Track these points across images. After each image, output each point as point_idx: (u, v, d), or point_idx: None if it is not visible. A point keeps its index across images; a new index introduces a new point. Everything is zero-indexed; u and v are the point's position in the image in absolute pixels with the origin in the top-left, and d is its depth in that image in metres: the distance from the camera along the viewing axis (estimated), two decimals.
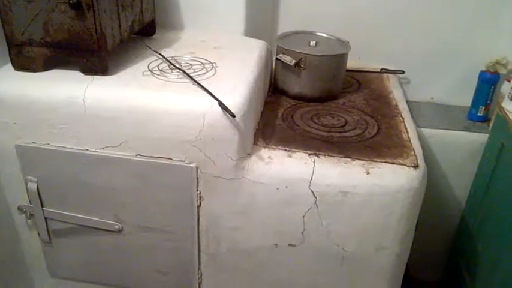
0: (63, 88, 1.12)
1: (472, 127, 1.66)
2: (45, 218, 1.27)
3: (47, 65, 1.18)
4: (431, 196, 1.47)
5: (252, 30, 1.54)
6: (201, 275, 1.31)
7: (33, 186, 1.21)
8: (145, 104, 1.10)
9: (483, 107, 1.65)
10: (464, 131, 1.64)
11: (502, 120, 1.48)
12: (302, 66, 1.42)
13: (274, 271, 1.27)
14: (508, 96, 1.49)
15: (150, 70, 1.22)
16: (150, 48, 1.35)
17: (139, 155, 1.14)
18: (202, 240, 1.26)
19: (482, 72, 1.63)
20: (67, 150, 1.16)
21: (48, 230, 1.29)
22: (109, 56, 1.16)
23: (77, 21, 1.09)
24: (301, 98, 1.47)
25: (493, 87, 1.62)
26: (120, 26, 1.21)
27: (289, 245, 1.22)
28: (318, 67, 1.43)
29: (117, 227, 1.24)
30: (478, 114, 1.67)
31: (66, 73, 1.18)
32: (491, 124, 1.61)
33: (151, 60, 1.28)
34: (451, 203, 1.75)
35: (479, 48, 1.67)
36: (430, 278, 1.90)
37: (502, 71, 1.61)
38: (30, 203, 1.25)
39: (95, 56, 1.14)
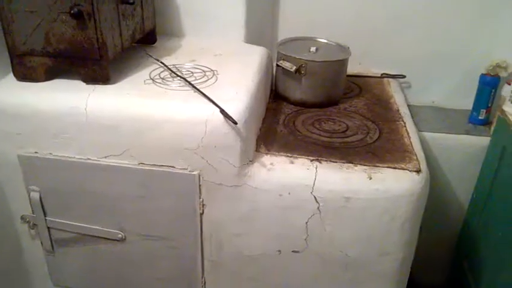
0: (65, 98, 1.13)
1: (473, 130, 1.66)
2: (48, 228, 1.27)
3: (49, 74, 1.18)
4: (434, 200, 1.47)
5: (253, 37, 1.55)
6: (205, 282, 1.31)
7: (36, 195, 1.21)
8: (147, 112, 1.10)
9: (484, 110, 1.65)
10: (466, 134, 1.64)
11: (504, 123, 1.48)
12: (303, 72, 1.43)
13: (278, 277, 1.27)
14: (509, 99, 1.49)
15: (151, 78, 1.22)
16: (151, 56, 1.35)
17: (141, 163, 1.14)
18: (205, 247, 1.25)
19: (482, 76, 1.63)
20: (69, 159, 1.17)
21: (51, 240, 1.29)
22: (110, 65, 1.17)
23: (78, 31, 1.10)
24: (302, 104, 1.48)
25: (493, 90, 1.62)
26: (121, 34, 1.21)
27: (292, 251, 1.21)
28: (319, 73, 1.44)
29: (120, 235, 1.24)
30: (479, 118, 1.67)
31: (68, 82, 1.18)
32: (492, 127, 1.61)
33: (152, 69, 1.28)
34: (454, 207, 1.75)
35: (480, 51, 1.67)
36: (434, 282, 1.89)
37: (503, 74, 1.61)
38: (33, 213, 1.25)
39: (96, 65, 1.14)
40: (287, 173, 1.16)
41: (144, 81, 1.21)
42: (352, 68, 1.57)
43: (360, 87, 1.64)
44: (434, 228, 1.68)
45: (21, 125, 1.15)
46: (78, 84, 1.17)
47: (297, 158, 1.18)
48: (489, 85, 1.62)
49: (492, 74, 1.61)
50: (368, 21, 1.71)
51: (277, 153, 1.20)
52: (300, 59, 1.42)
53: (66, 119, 1.12)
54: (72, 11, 1.06)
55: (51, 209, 1.24)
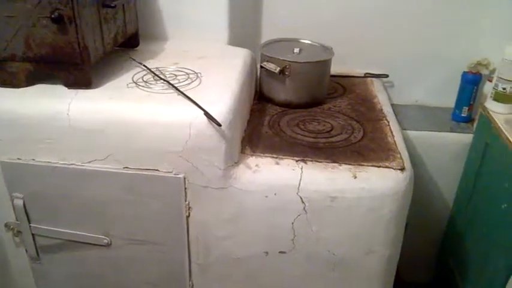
0: (47, 103, 1.12)
1: (456, 128, 1.68)
2: (33, 235, 1.25)
3: (30, 80, 1.17)
4: (419, 197, 1.48)
5: (236, 39, 1.55)
6: (192, 285, 1.31)
7: (19, 202, 1.20)
8: (131, 116, 1.09)
9: (466, 108, 1.67)
10: (449, 132, 1.66)
11: (486, 120, 1.50)
12: (287, 73, 1.43)
13: (266, 279, 1.27)
14: (491, 96, 1.51)
15: (134, 82, 1.22)
16: (134, 60, 1.35)
17: (126, 167, 1.14)
18: (192, 250, 1.25)
19: (464, 73, 1.65)
20: (53, 165, 1.15)
21: (36, 247, 1.28)
22: (92, 69, 1.16)
23: (59, 35, 1.09)
24: (287, 105, 1.48)
25: (475, 87, 1.64)
26: (103, 38, 1.20)
27: (279, 252, 1.22)
28: (303, 74, 1.44)
29: (106, 241, 1.23)
30: (462, 115, 1.69)
31: (50, 88, 1.17)
32: (475, 124, 1.63)
33: (135, 72, 1.28)
34: (439, 204, 1.77)
35: (462, 50, 1.69)
36: (421, 280, 1.90)
37: (484, 72, 1.63)
38: (17, 220, 1.23)
39: (78, 69, 1.13)
40: (273, 174, 1.16)
41: (127, 84, 1.20)
42: (335, 68, 1.58)
43: (343, 87, 1.65)
44: (420, 226, 1.69)
45: (3, 131, 1.13)
46: (60, 89, 1.16)
47: (282, 158, 1.19)
48: (471, 83, 1.64)
49: (474, 71, 1.63)
50: (351, 21, 1.71)
51: (262, 155, 1.20)
52: (284, 60, 1.43)
53: (49, 124, 1.11)
54: (52, 16, 1.05)
55: (35, 215, 1.23)
